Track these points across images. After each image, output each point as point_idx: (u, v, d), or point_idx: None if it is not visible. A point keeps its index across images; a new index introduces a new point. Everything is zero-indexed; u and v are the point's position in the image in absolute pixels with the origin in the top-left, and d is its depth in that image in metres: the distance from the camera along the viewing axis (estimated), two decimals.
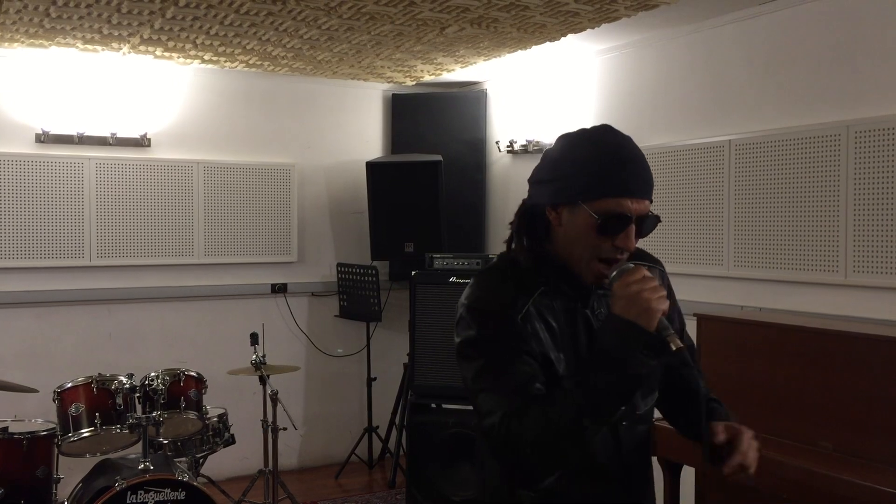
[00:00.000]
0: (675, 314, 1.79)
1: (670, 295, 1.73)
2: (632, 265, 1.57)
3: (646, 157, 1.69)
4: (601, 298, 1.68)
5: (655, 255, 1.87)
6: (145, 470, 3.55)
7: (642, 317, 1.47)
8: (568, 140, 1.69)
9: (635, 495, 1.76)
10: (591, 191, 1.58)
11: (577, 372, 1.56)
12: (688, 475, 3.50)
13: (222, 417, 4.40)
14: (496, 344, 1.58)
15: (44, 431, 3.64)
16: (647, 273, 1.55)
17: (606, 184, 1.58)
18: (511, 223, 1.73)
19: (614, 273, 1.56)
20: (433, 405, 4.90)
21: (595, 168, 1.60)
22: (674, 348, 1.46)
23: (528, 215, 1.69)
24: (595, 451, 1.64)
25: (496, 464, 1.72)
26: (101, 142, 5.14)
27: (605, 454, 1.66)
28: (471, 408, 1.65)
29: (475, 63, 5.18)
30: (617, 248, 1.59)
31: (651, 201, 1.64)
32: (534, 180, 1.70)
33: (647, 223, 1.62)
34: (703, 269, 4.18)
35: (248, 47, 4.71)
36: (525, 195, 1.74)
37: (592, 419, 1.48)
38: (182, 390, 4.04)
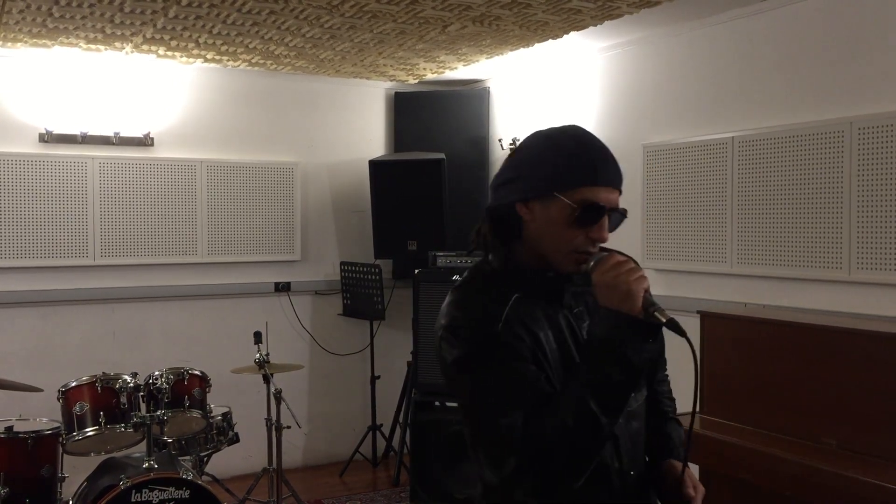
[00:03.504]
0: None
1: None
2: (605, 254, 1.57)
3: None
4: (577, 296, 1.67)
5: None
6: (149, 468, 3.56)
7: (625, 302, 1.48)
8: (535, 139, 1.68)
9: (635, 496, 1.72)
10: (567, 180, 1.57)
11: (579, 370, 1.55)
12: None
13: (226, 416, 4.40)
14: (487, 357, 1.56)
15: (48, 430, 3.65)
16: (621, 257, 1.55)
17: (583, 172, 1.57)
18: (478, 231, 1.70)
19: (591, 264, 1.56)
20: (437, 403, 4.91)
21: (570, 157, 1.59)
22: (663, 320, 1.46)
23: (496, 219, 1.67)
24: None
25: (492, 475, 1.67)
26: (104, 141, 5.15)
27: (605, 456, 1.63)
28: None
29: (478, 61, 5.18)
30: (591, 240, 1.58)
31: (620, 191, 1.63)
32: (498, 183, 1.67)
33: (616, 217, 1.61)
34: (707, 267, 4.17)
35: (250, 46, 4.72)
36: None
37: (604, 415, 1.48)
38: (186, 389, 4.04)
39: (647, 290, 1.50)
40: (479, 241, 1.70)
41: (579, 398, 1.48)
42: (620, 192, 1.63)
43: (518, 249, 1.66)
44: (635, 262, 1.57)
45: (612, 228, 1.62)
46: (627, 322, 1.47)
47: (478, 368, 1.56)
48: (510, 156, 1.69)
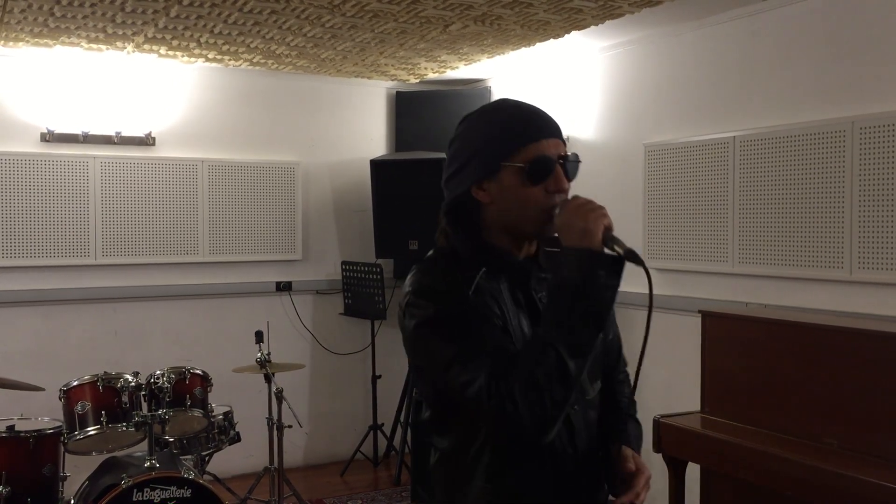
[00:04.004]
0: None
1: None
2: (568, 198, 1.58)
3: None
4: (541, 281, 1.67)
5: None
6: (151, 468, 3.56)
7: (584, 238, 1.49)
8: (467, 122, 1.70)
9: (589, 483, 1.70)
10: (507, 147, 1.60)
11: (544, 316, 1.54)
12: (693, 472, 3.50)
13: (227, 415, 4.41)
14: (458, 315, 1.54)
15: (50, 430, 3.65)
16: (583, 198, 1.56)
17: (518, 135, 1.60)
18: (441, 230, 1.71)
19: (557, 212, 1.57)
20: None
21: (504, 125, 1.63)
22: (621, 252, 1.48)
23: (455, 210, 1.68)
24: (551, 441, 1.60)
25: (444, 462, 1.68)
26: (105, 141, 5.15)
27: (560, 443, 1.62)
28: None
29: (479, 60, 5.18)
30: (552, 194, 1.60)
31: (565, 144, 1.65)
32: (448, 177, 1.69)
33: (571, 164, 1.63)
34: (708, 266, 4.18)
35: (252, 46, 4.72)
36: None
37: (571, 357, 1.46)
38: (187, 388, 4.05)
39: (608, 227, 1.51)
40: (444, 240, 1.71)
41: (545, 342, 1.47)
42: (564, 143, 1.65)
43: (481, 233, 1.67)
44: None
45: (571, 177, 1.63)
46: (588, 257, 1.48)
47: (447, 329, 1.54)
48: (449, 146, 1.70)
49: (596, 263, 1.48)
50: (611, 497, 1.72)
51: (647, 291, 1.48)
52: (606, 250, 1.49)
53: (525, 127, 1.62)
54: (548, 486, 1.63)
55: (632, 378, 1.64)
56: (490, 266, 1.62)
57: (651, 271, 1.51)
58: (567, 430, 1.63)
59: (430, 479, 1.73)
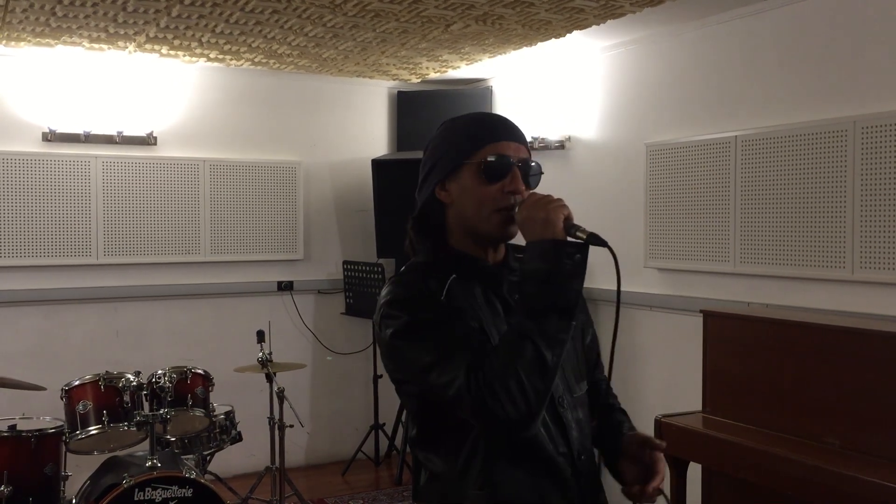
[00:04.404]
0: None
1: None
2: (527, 194, 1.62)
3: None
4: (513, 286, 1.67)
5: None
6: (153, 467, 3.57)
7: (546, 229, 1.51)
8: (436, 131, 1.75)
9: (587, 478, 1.69)
10: (468, 147, 1.65)
11: (515, 311, 1.55)
12: (694, 472, 3.49)
13: (229, 415, 4.41)
14: (432, 319, 1.56)
15: (52, 429, 3.65)
16: (540, 193, 1.58)
17: (479, 136, 1.65)
18: (408, 236, 1.75)
19: (517, 210, 1.60)
20: None
21: (468, 128, 1.69)
22: (584, 237, 1.51)
23: (421, 218, 1.72)
24: (542, 441, 1.61)
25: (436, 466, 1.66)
26: (107, 140, 5.16)
27: (552, 443, 1.62)
28: None
29: (480, 60, 5.18)
30: (508, 194, 1.62)
31: (529, 152, 1.69)
32: (419, 186, 1.74)
33: (532, 172, 1.66)
34: (710, 266, 4.17)
35: (253, 45, 4.72)
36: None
37: (549, 347, 1.47)
38: (189, 388, 4.05)
39: (567, 217, 1.54)
40: (410, 248, 1.74)
41: (520, 334, 1.48)
42: (528, 150, 1.69)
43: (448, 239, 1.70)
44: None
45: (531, 184, 1.66)
46: (552, 246, 1.50)
47: (422, 335, 1.56)
48: (423, 155, 1.75)
49: (560, 251, 1.50)
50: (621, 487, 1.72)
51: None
52: (570, 238, 1.52)
53: (488, 129, 1.67)
54: (546, 488, 1.63)
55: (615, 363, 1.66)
56: (460, 272, 1.65)
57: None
58: (559, 430, 1.64)
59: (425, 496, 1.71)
